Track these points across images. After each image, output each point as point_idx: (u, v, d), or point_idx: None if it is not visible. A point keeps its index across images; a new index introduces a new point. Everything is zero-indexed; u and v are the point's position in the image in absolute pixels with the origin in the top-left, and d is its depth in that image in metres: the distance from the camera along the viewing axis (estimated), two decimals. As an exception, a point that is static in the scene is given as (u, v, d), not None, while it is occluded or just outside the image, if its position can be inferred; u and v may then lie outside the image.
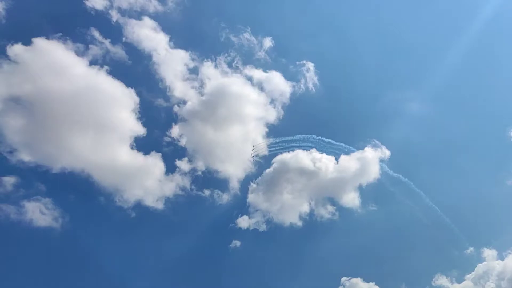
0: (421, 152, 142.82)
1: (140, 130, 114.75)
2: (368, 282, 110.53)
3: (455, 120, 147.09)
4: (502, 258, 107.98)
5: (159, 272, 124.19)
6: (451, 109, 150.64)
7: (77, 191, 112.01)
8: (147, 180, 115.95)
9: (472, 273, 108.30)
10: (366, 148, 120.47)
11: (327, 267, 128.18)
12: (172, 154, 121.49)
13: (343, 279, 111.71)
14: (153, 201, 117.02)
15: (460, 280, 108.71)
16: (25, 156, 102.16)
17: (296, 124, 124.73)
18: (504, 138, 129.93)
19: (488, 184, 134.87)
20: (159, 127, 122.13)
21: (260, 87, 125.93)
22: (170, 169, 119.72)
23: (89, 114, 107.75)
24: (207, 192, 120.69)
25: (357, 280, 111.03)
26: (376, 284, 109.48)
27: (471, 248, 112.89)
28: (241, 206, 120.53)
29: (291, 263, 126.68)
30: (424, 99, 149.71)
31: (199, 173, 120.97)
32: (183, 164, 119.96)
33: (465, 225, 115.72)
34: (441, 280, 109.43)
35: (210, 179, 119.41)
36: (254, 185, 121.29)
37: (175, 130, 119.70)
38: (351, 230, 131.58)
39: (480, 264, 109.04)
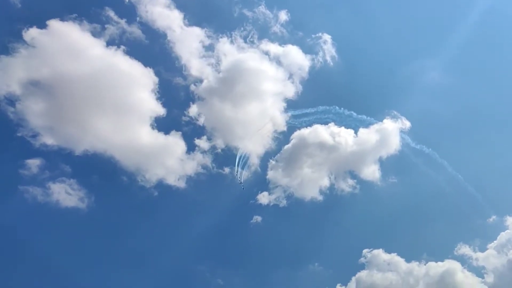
0: (442, 122, 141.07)
1: (159, 110, 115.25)
2: (389, 253, 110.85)
3: (476, 88, 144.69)
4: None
5: (182, 249, 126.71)
6: (471, 78, 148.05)
7: (100, 172, 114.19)
8: (168, 160, 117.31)
9: (495, 241, 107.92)
10: (385, 120, 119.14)
11: (349, 239, 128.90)
12: (191, 133, 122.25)
13: (365, 250, 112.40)
14: (174, 180, 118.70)
15: (483, 249, 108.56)
16: (48, 139, 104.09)
17: (315, 99, 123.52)
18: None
19: (509, 153, 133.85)
20: (178, 106, 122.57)
21: (278, 61, 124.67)
22: (191, 147, 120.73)
23: (109, 96, 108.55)
24: (227, 170, 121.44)
25: (379, 252, 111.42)
26: (398, 255, 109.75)
27: (494, 217, 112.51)
28: (261, 182, 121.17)
29: (313, 237, 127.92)
30: (443, 68, 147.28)
31: (219, 150, 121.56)
32: (202, 143, 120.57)
33: (488, 194, 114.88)
34: (464, 249, 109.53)
35: (230, 157, 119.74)
36: (274, 162, 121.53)
37: (193, 109, 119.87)
38: (371, 202, 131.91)
39: (503, 232, 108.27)
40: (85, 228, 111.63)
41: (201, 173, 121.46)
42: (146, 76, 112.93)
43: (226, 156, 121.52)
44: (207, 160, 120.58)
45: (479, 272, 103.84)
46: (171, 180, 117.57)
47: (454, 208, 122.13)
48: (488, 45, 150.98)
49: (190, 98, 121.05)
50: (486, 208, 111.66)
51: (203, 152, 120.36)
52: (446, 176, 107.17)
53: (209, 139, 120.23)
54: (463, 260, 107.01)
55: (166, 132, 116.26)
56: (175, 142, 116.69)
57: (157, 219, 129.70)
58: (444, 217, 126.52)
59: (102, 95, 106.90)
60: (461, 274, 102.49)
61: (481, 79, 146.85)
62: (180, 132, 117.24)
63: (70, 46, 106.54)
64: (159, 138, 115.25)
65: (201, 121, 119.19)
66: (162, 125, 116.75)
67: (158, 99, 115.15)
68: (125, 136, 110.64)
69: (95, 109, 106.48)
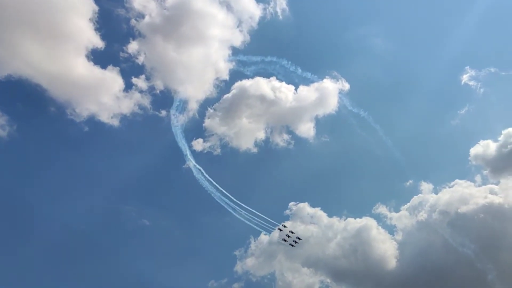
0: (380, 88, 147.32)
1: (97, 42, 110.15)
2: (314, 207, 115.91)
3: (415, 59, 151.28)
4: (436, 192, 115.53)
5: (109, 187, 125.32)
6: (412, 49, 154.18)
7: (25, 100, 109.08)
8: (103, 95, 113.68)
9: (408, 204, 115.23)
10: (325, 80, 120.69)
11: (277, 192, 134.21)
12: (129, 70, 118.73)
13: (291, 203, 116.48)
14: (108, 118, 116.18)
15: (397, 210, 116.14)
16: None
17: (261, 51, 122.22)
18: (456, 82, 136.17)
19: (436, 122, 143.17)
20: (117, 40, 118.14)
21: (228, 7, 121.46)
22: (128, 86, 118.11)
23: (42, 18, 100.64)
24: (164, 112, 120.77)
25: (304, 205, 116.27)
26: (321, 209, 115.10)
27: (411, 181, 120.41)
28: (197, 129, 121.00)
29: (243, 186, 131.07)
30: (388, 36, 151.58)
31: (157, 92, 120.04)
32: (140, 82, 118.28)
33: (410, 159, 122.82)
34: (381, 208, 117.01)
35: (168, 99, 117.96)
36: (212, 110, 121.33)
37: (133, 46, 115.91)
38: (303, 159, 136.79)
39: (416, 196, 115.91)
40: (5, 157, 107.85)
41: (137, 113, 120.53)
42: (85, 2, 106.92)
43: (165, 98, 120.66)
44: (145, 101, 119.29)
45: (391, 230, 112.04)
46: (104, 117, 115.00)
47: (378, 170, 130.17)
48: (435, 21, 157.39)
49: (131, 34, 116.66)
50: (406, 173, 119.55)
51: (141, 91, 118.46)
52: (377, 139, 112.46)
53: (148, 79, 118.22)
54: (379, 218, 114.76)
55: (103, 66, 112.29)
56: (112, 78, 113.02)
57: (86, 155, 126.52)
58: (368, 178, 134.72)
59: (35, 17, 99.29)
60: (375, 230, 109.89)
61: (421, 51, 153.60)
62: (117, 68, 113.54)
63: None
64: (94, 71, 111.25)
65: (141, 59, 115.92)
66: (99, 58, 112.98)
67: (97, 29, 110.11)
68: (56, 64, 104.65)
69: (25, 31, 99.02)
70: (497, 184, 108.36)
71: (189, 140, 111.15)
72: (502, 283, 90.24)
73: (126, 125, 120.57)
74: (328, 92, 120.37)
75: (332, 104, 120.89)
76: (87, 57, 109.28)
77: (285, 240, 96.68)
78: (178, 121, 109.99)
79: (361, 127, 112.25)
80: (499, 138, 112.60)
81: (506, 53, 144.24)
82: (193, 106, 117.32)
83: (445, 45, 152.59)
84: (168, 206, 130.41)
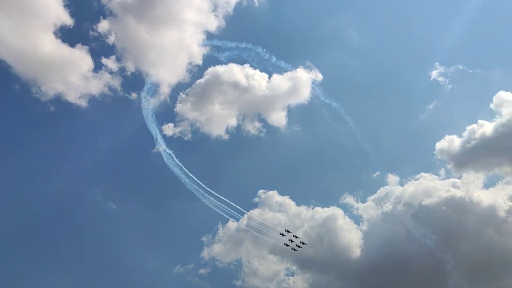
0: (353, 80, 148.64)
1: (66, 19, 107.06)
2: (282, 195, 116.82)
3: (387, 53, 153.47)
4: (402, 184, 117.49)
5: (76, 169, 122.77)
6: (385, 42, 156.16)
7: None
8: (71, 75, 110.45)
9: (375, 195, 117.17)
10: (299, 69, 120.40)
11: (247, 179, 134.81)
12: (99, 50, 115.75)
13: (260, 191, 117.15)
14: (75, 98, 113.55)
15: (364, 200, 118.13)
16: None
17: (236, 38, 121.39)
18: (425, 78, 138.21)
19: (405, 116, 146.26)
20: (87, 18, 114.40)
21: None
22: (98, 66, 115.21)
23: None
24: (134, 95, 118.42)
25: (273, 193, 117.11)
26: (290, 198, 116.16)
27: (378, 173, 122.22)
28: (168, 113, 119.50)
29: (213, 172, 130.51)
30: (363, 28, 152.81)
31: (128, 74, 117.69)
32: (110, 63, 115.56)
33: (378, 151, 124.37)
34: (348, 199, 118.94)
35: (139, 82, 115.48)
36: (184, 95, 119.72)
37: (104, 25, 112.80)
38: (274, 147, 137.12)
39: (382, 187, 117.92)
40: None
41: (107, 94, 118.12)
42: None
43: (136, 81, 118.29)
44: (115, 82, 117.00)
45: (357, 220, 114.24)
46: (72, 97, 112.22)
47: (347, 161, 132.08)
48: (409, 16, 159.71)
49: (102, 12, 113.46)
50: (374, 164, 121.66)
51: (111, 72, 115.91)
52: (347, 130, 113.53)
53: (118, 60, 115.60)
54: (346, 208, 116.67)
55: (72, 44, 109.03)
56: (81, 57, 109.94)
57: (51, 135, 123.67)
58: (336, 168, 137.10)
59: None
60: (342, 220, 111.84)
61: (393, 43, 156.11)
62: (87, 47, 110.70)
63: None
64: (62, 49, 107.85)
65: (111, 39, 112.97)
66: (68, 36, 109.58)
67: (66, 6, 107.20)
68: (23, 40, 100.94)
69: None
70: (459, 178, 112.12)
71: (159, 124, 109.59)
72: (459, 272, 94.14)
73: (95, 106, 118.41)
74: (301, 81, 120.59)
75: (304, 94, 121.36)
76: (55, 34, 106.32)
77: (287, 245, 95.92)
78: (149, 104, 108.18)
79: (333, 118, 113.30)
80: (464, 134, 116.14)
81: (474, 51, 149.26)
82: (165, 90, 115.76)
83: (417, 40, 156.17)
84: (136, 190, 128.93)
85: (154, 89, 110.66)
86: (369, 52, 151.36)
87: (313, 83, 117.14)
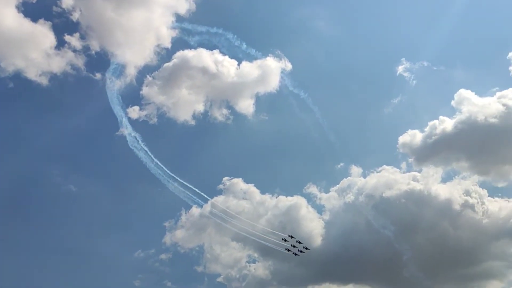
0: (322, 71, 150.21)
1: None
2: (247, 183, 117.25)
3: (356, 46, 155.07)
4: (364, 176, 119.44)
5: (34, 149, 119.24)
6: (355, 35, 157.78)
7: None
8: (32, 51, 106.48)
9: (338, 185, 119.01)
10: (268, 58, 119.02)
11: (212, 166, 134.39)
12: (63, 26, 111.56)
13: (225, 178, 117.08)
14: (36, 75, 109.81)
15: (327, 191, 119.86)
16: None
17: (206, 22, 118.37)
18: (392, 72, 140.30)
19: (370, 109, 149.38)
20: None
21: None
22: (61, 43, 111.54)
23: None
24: (99, 75, 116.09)
25: (238, 181, 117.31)
26: (255, 186, 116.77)
27: (342, 164, 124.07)
28: (134, 96, 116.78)
29: (177, 157, 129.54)
30: (333, 20, 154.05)
31: (93, 53, 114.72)
32: (74, 40, 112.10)
33: (343, 143, 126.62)
34: (312, 188, 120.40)
35: (104, 62, 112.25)
36: (151, 78, 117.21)
37: (68, 1, 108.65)
38: (241, 135, 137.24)
39: (345, 178, 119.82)
40: None
41: (69, 73, 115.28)
42: None
43: (100, 60, 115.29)
44: (79, 61, 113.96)
45: (319, 209, 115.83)
46: (32, 74, 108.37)
47: (312, 151, 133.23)
48: (376, 7, 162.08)
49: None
50: (338, 156, 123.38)
51: (75, 51, 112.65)
52: (314, 121, 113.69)
53: (82, 38, 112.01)
54: (309, 198, 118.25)
55: (34, 19, 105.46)
56: (43, 33, 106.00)
57: (9, 113, 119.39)
58: (302, 158, 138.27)
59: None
60: (305, 209, 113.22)
61: (362, 37, 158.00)
62: (49, 23, 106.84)
63: None
64: (24, 24, 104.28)
65: (76, 16, 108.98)
66: (30, 10, 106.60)
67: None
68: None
69: None
70: (419, 172, 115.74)
71: (124, 106, 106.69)
72: (415, 263, 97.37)
73: (56, 85, 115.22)
74: (270, 70, 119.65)
75: (273, 83, 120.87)
76: (17, 8, 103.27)
77: (288, 250, 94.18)
78: (113, 86, 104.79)
79: (300, 108, 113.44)
80: (425, 129, 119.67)
81: (439, 49, 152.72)
82: (131, 71, 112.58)
83: (386, 35, 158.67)
84: (97, 173, 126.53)
85: (120, 70, 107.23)
86: (339, 44, 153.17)
87: (282, 72, 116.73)
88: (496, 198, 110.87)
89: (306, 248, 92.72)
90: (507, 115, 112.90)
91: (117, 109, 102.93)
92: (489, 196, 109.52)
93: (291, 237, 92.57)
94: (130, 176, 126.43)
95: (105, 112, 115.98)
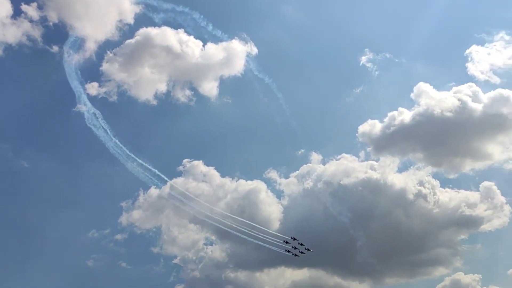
0: (286, 57, 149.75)
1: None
2: (208, 166, 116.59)
3: (322, 33, 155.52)
4: (324, 163, 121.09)
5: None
6: (321, 22, 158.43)
7: None
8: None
9: (297, 171, 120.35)
10: (234, 40, 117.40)
11: (172, 147, 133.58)
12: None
13: (185, 160, 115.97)
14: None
15: (286, 176, 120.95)
16: None
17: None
18: (355, 62, 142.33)
19: (333, 98, 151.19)
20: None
21: None
22: (17, 12, 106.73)
23: None
24: (56, 48, 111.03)
25: (198, 163, 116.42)
26: (215, 169, 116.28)
27: (303, 150, 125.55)
28: (93, 72, 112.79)
29: (137, 137, 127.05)
30: (300, 5, 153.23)
31: (50, 24, 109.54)
32: (31, 10, 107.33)
33: (305, 130, 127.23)
34: (272, 174, 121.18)
35: (62, 34, 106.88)
36: (112, 54, 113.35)
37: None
38: (203, 117, 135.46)
39: (305, 165, 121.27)
40: None
41: (25, 44, 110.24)
42: None
43: (58, 33, 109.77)
44: (35, 32, 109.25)
45: (279, 194, 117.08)
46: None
47: (274, 137, 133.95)
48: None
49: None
50: (300, 142, 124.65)
51: (32, 21, 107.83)
52: (277, 107, 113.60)
53: (40, 8, 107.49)
54: (269, 183, 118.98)
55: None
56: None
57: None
58: (263, 143, 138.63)
59: None
60: (264, 193, 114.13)
61: (328, 24, 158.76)
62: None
63: None
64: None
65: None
66: None
67: None
68: None
69: None
70: (377, 161, 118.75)
71: (83, 82, 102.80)
72: (368, 249, 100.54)
73: (11, 56, 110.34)
74: (236, 53, 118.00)
75: (238, 66, 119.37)
76: None
77: (288, 251, 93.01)
78: (72, 60, 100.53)
79: (264, 93, 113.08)
80: (385, 120, 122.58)
81: (402, 41, 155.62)
82: (91, 46, 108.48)
83: (352, 24, 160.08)
84: (52, 149, 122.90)
85: (79, 44, 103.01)
86: (305, 30, 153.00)
87: (247, 56, 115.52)
88: (447, 189, 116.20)
89: (308, 250, 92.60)
90: (461, 109, 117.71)
91: (75, 84, 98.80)
92: (440, 187, 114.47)
93: (294, 239, 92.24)
94: (86, 154, 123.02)
95: (61, 87, 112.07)
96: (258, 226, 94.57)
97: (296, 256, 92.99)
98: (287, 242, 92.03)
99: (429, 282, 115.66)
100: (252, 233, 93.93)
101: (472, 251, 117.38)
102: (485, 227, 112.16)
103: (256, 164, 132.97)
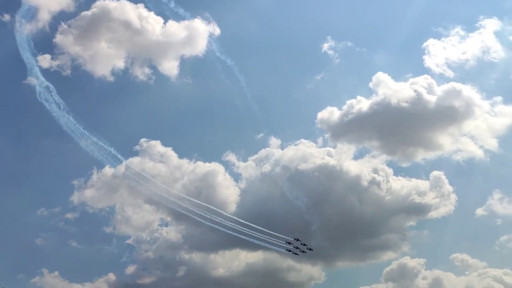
0: (249, 40, 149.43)
1: None
2: (165, 146, 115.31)
3: (287, 18, 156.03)
4: (282, 148, 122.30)
5: None
6: (286, 7, 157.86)
7: None
8: None
9: (256, 155, 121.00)
10: (196, 19, 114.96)
11: (129, 126, 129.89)
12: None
13: (142, 139, 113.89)
14: None
15: (245, 160, 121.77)
16: None
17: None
18: (317, 49, 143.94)
19: (294, 83, 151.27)
20: None
21: None
22: None
23: None
24: (7, 17, 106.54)
25: (156, 143, 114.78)
26: (173, 149, 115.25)
27: (262, 134, 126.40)
28: (45, 43, 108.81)
29: (92, 114, 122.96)
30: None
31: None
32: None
33: (265, 114, 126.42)
34: (230, 156, 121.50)
35: (13, 2, 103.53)
36: (66, 26, 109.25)
37: None
38: (162, 96, 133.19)
39: (264, 149, 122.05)
40: None
41: None
42: None
43: (11, 1, 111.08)
44: None
45: (236, 177, 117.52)
46: None
47: (234, 119, 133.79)
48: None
49: None
50: (259, 126, 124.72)
51: None
52: (238, 89, 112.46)
53: None
54: (227, 166, 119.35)
55: None
56: None
57: None
58: (223, 125, 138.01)
59: None
60: (222, 176, 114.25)
61: (293, 9, 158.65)
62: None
63: None
64: None
65: None
66: None
67: None
68: None
69: None
70: (334, 147, 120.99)
71: (36, 53, 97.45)
72: (322, 233, 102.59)
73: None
74: (198, 33, 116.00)
75: (200, 47, 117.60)
76: None
77: (289, 250, 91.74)
78: (24, 29, 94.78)
79: (226, 75, 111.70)
80: (343, 107, 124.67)
81: (363, 31, 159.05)
82: (44, 16, 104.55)
83: (315, 10, 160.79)
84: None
85: (32, 13, 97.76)
86: (270, 14, 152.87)
87: (210, 36, 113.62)
88: (399, 177, 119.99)
89: (310, 249, 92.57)
90: (417, 100, 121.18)
91: (26, 55, 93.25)
92: (393, 175, 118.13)
93: (297, 239, 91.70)
94: (36, 129, 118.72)
95: (10, 58, 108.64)
96: (214, 208, 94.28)
97: (297, 255, 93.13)
98: (289, 243, 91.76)
99: (377, 266, 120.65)
100: (208, 216, 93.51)
101: (419, 236, 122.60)
102: (432, 214, 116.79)
103: (214, 146, 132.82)
